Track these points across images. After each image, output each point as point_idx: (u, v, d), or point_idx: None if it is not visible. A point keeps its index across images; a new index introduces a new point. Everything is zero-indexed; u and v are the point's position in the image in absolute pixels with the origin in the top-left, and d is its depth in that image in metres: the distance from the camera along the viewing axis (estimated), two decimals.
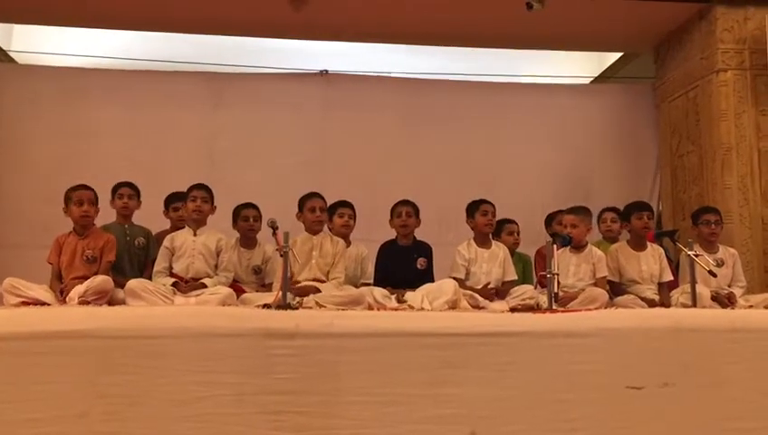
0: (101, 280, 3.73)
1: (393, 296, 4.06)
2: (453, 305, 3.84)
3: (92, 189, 4.13)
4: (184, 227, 4.40)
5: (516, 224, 5.08)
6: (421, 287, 4.06)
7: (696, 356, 2.86)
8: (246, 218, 4.52)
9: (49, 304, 3.68)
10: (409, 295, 3.98)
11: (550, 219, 5.30)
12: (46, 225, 4.84)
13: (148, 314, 3.00)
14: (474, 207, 4.55)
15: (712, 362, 2.86)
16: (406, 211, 4.57)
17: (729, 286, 4.57)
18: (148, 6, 5.70)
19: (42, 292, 3.76)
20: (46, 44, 6.38)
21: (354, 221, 4.72)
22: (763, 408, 2.85)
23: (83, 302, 3.59)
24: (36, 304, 3.63)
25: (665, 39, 6.29)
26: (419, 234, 4.70)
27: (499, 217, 4.74)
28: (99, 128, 6.18)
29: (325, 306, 3.70)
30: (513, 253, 4.86)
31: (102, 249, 4.06)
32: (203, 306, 3.63)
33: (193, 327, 2.69)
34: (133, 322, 2.71)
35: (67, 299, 3.72)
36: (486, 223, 4.52)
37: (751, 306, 4.33)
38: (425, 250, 4.60)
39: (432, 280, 4.35)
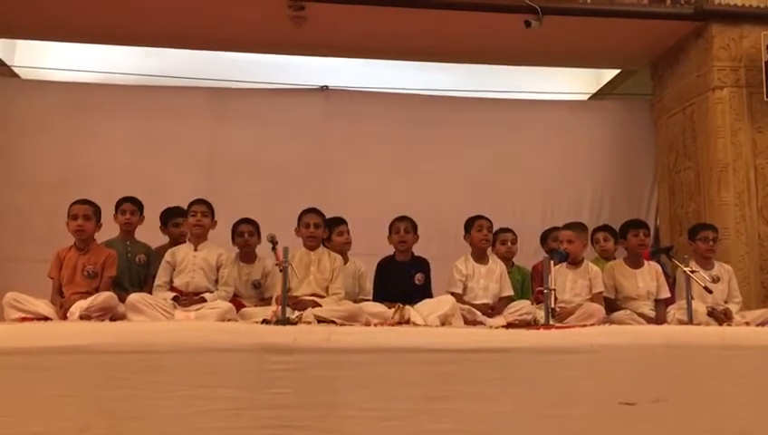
0: (106, 296, 3.74)
1: (391, 310, 4.09)
2: (443, 321, 3.84)
3: (92, 204, 4.14)
4: (183, 242, 4.45)
5: (512, 233, 5.02)
6: (420, 303, 4.09)
7: (686, 372, 2.90)
8: (242, 234, 4.56)
9: (50, 319, 3.70)
10: (413, 313, 3.96)
11: (545, 237, 5.32)
12: (49, 239, 4.85)
13: (148, 329, 3.04)
14: (470, 224, 4.59)
15: (702, 378, 2.91)
16: (404, 227, 4.60)
17: (725, 302, 4.59)
18: (151, 23, 5.79)
19: (43, 306, 3.77)
20: (50, 60, 6.47)
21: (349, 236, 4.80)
22: (752, 423, 2.89)
23: (85, 317, 3.60)
24: (38, 319, 3.64)
25: (662, 56, 6.35)
26: (419, 248, 4.74)
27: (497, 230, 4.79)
28: (102, 142, 6.25)
29: (324, 320, 3.73)
30: (510, 263, 4.89)
31: (103, 264, 4.08)
32: (202, 321, 3.65)
33: (192, 342, 2.74)
34: (133, 337, 2.76)
35: (68, 314, 3.73)
36: (482, 238, 4.55)
37: (747, 323, 4.33)
38: (422, 266, 4.64)
39: (430, 295, 4.39)
